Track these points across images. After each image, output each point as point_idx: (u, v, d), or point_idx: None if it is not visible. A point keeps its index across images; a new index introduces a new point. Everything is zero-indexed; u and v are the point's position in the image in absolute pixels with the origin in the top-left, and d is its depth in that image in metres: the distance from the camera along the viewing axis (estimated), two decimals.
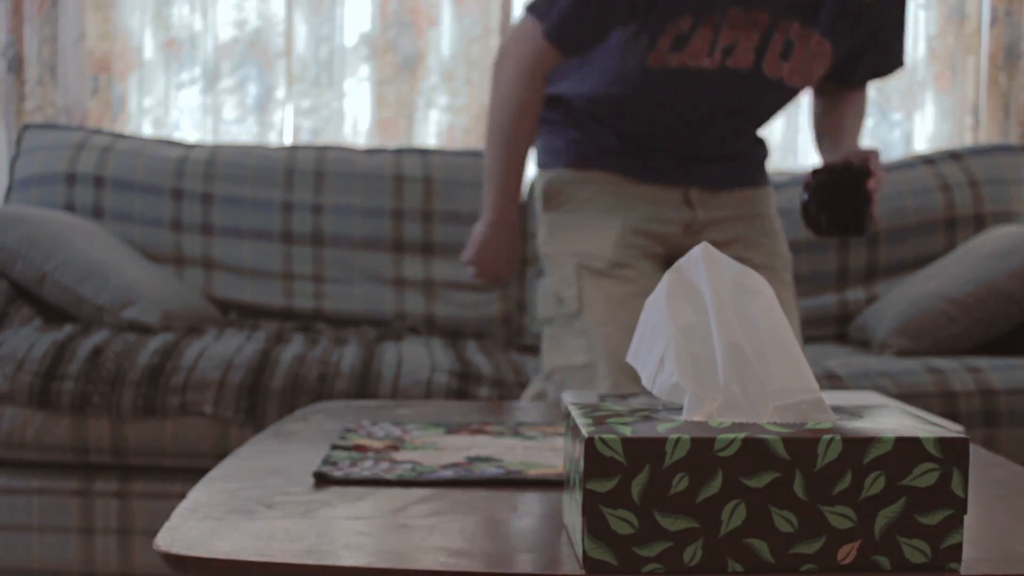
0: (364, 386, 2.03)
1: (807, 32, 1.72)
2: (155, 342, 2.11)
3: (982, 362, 2.08)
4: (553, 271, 1.85)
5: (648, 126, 1.81)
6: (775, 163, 2.93)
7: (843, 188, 1.64)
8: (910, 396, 1.97)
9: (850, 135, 1.82)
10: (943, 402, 1.98)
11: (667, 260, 1.84)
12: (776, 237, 1.92)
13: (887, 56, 1.83)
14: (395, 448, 1.23)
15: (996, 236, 2.38)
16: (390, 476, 1.09)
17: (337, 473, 1.09)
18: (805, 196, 1.68)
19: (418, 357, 2.14)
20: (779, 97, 1.82)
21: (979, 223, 2.57)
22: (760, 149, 1.93)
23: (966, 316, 2.21)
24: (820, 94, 1.91)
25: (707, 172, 1.87)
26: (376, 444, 1.24)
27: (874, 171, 1.65)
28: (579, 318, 1.79)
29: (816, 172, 1.67)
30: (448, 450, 1.22)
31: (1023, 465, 1.20)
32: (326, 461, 1.14)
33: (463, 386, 2.04)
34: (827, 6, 1.70)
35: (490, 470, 1.12)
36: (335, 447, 1.22)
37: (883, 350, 2.27)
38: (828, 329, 2.54)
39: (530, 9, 1.71)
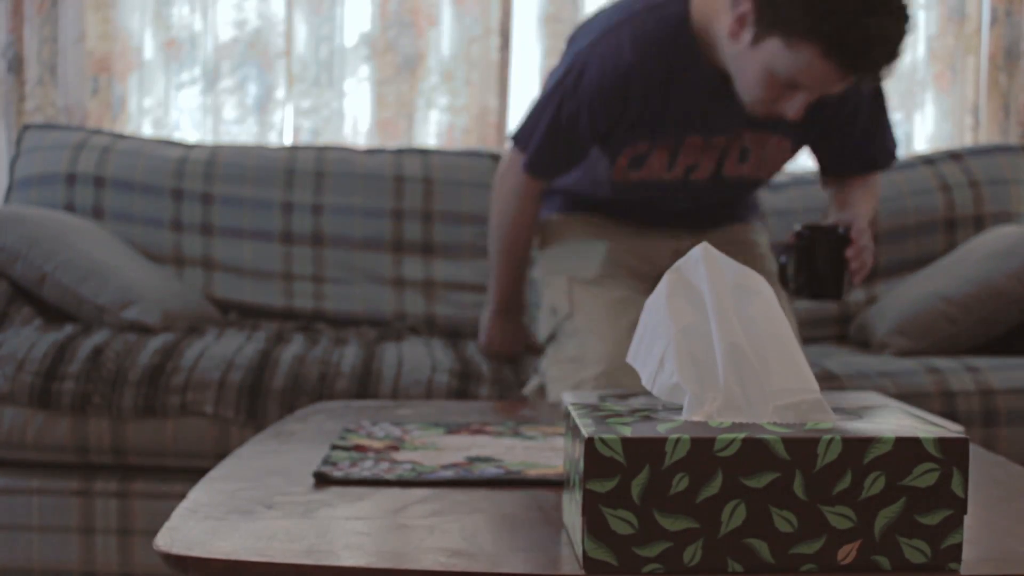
0: (365, 386, 2.03)
1: (761, 136, 1.76)
2: (155, 342, 2.11)
3: (981, 362, 2.07)
4: (546, 289, 1.92)
5: (629, 208, 1.92)
6: None
7: (820, 253, 1.65)
8: (909, 396, 1.97)
9: (857, 207, 1.80)
10: (942, 402, 1.98)
11: (655, 281, 1.86)
12: (765, 259, 1.97)
13: (875, 151, 1.85)
14: (395, 448, 1.23)
15: (996, 236, 2.38)
16: (390, 476, 1.09)
17: (337, 473, 1.09)
18: (783, 257, 1.70)
19: (419, 357, 2.14)
20: (746, 187, 1.90)
21: (979, 223, 2.57)
22: (748, 195, 1.97)
23: (965, 316, 2.20)
24: (826, 184, 1.94)
25: (693, 219, 1.94)
26: (376, 444, 1.24)
27: (855, 239, 1.65)
28: (571, 319, 1.82)
29: (798, 233, 1.68)
30: (448, 450, 1.22)
31: (1022, 465, 1.20)
32: (326, 461, 1.14)
33: (463, 386, 2.04)
34: None
35: (490, 470, 1.12)
36: (335, 447, 1.22)
37: (882, 349, 2.27)
38: (828, 330, 2.54)
39: (514, 139, 1.84)
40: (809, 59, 1.54)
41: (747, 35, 1.59)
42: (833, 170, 1.88)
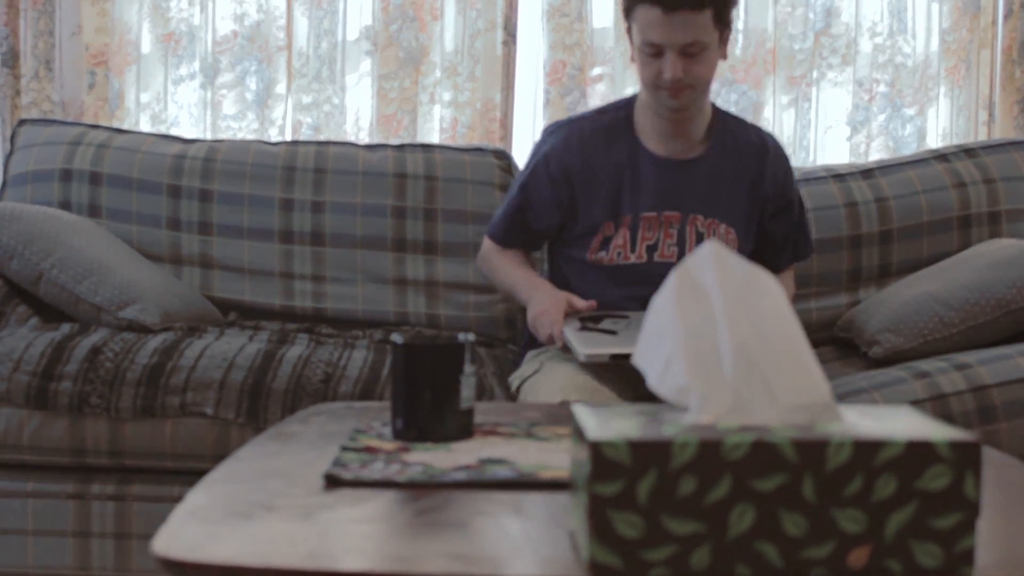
0: (370, 391, 2.01)
1: (711, 222, 2.04)
2: (155, 342, 2.09)
3: (969, 357, 2.03)
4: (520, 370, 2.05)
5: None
6: None
7: None
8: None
9: None
10: (935, 406, 1.94)
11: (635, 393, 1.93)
12: None
13: (799, 246, 2.18)
14: (406, 450, 1.21)
15: (998, 246, 2.36)
16: (401, 478, 1.08)
17: (347, 475, 1.08)
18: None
19: None
20: None
21: (994, 220, 2.54)
22: None
23: (961, 321, 2.17)
24: None
25: None
26: (386, 446, 1.23)
27: None
28: (534, 377, 1.95)
29: None
30: (460, 452, 1.20)
31: None
32: (336, 463, 1.13)
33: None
34: (724, 198, 2.04)
35: (502, 472, 1.10)
36: (345, 448, 1.20)
37: (871, 347, 2.23)
38: (813, 333, 2.50)
39: (487, 234, 2.17)
40: (642, 15, 1.89)
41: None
42: (767, 263, 2.12)
